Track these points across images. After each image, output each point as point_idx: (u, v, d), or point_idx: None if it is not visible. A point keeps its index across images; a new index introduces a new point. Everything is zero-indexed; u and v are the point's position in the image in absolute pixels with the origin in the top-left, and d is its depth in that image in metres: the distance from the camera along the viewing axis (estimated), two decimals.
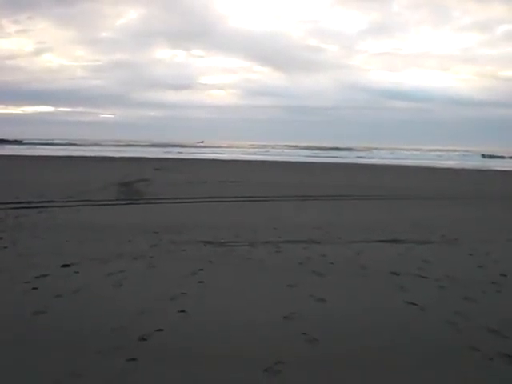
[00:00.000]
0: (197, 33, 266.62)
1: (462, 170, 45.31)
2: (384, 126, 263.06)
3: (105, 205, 15.90)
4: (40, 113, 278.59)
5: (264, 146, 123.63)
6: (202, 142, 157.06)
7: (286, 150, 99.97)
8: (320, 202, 17.94)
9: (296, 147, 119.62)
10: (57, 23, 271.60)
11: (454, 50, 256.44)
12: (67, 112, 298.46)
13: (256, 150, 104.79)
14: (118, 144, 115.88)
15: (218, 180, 26.34)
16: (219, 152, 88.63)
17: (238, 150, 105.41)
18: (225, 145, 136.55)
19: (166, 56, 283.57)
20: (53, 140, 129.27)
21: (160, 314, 5.82)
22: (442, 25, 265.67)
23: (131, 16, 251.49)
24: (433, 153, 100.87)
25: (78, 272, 7.63)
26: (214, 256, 8.80)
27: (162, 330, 5.29)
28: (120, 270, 7.73)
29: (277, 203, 17.46)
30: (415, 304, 6.31)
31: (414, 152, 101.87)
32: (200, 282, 7.14)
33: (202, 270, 7.77)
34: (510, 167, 48.88)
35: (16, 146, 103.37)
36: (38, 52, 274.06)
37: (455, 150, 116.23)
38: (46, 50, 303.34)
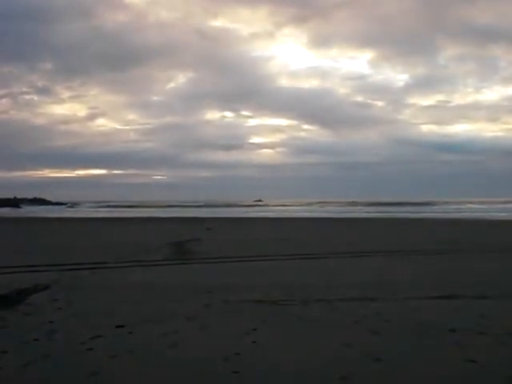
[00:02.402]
0: (244, 94, 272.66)
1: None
2: (435, 180, 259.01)
3: (157, 265, 16.03)
4: (93, 175, 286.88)
5: (315, 204, 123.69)
6: (260, 201, 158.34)
7: (338, 207, 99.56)
8: (373, 259, 17.66)
9: (348, 203, 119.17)
10: (108, 88, 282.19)
11: (502, 101, 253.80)
12: (120, 174, 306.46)
13: (308, 207, 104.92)
14: (170, 205, 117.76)
15: (269, 238, 26.34)
16: (271, 210, 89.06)
17: (291, 207, 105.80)
18: (280, 203, 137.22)
19: (215, 117, 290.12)
20: (106, 202, 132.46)
21: (214, 375, 5.77)
22: (488, 75, 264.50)
23: (180, 80, 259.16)
24: (487, 205, 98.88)
25: (131, 333, 7.66)
26: (267, 315, 8.72)
27: None
28: (174, 330, 7.74)
29: (329, 260, 17.27)
30: (475, 361, 6.07)
31: (468, 205, 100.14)
32: (253, 342, 7.07)
33: (255, 329, 7.70)
34: None
35: (70, 209, 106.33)
36: (90, 117, 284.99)
37: (507, 202, 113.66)
38: (99, 115, 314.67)
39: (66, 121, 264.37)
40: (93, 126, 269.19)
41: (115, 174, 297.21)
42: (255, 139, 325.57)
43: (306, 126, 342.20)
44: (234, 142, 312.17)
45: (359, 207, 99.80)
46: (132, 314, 8.95)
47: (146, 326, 8.08)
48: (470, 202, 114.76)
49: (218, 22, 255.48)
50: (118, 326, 7.99)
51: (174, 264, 16.43)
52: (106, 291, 11.33)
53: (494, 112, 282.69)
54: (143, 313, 9.00)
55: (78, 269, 14.94)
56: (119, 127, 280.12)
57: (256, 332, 7.57)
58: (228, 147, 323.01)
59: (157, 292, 11.15)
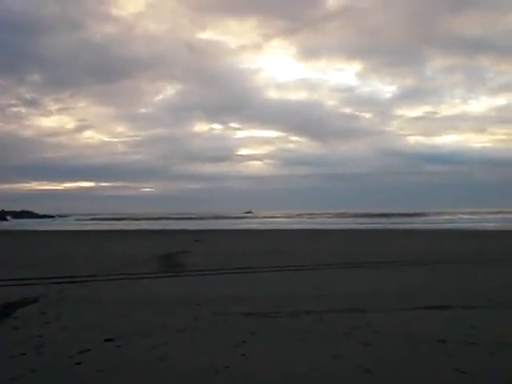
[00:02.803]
0: (233, 106, 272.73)
1: (506, 231, 44.36)
2: (423, 191, 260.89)
3: (146, 278, 15.95)
4: (81, 188, 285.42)
5: (304, 215, 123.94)
6: (250, 213, 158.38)
7: (327, 219, 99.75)
8: (363, 270, 17.67)
9: (337, 215, 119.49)
10: (97, 101, 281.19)
11: (489, 112, 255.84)
12: (108, 187, 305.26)
13: (297, 219, 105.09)
14: (158, 217, 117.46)
15: (259, 250, 26.31)
16: (261, 222, 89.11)
17: (281, 219, 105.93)
18: (269, 214, 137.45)
19: (203, 129, 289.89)
20: (94, 215, 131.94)
21: None
22: (476, 86, 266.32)
23: (168, 92, 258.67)
24: (478, 216, 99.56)
25: (120, 346, 7.61)
26: (256, 327, 8.68)
27: None
28: (163, 343, 7.70)
29: (318, 272, 17.26)
30: (464, 372, 6.08)
31: (460, 215, 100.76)
32: (243, 354, 7.04)
33: (244, 342, 7.68)
34: None
35: (57, 221, 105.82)
36: (78, 129, 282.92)
37: (497, 212, 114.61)
38: (87, 127, 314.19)
39: (54, 133, 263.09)
40: (81, 139, 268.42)
41: (103, 187, 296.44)
42: (243, 151, 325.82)
43: (294, 138, 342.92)
44: (223, 153, 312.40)
45: (349, 218, 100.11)
46: (121, 327, 8.88)
47: (134, 339, 8.03)
48: (461, 213, 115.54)
49: (206, 35, 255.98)
50: (106, 340, 7.93)
51: (163, 277, 16.35)
52: (95, 304, 11.24)
53: (481, 123, 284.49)
54: (132, 326, 8.94)
55: (67, 282, 14.83)
56: (107, 139, 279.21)
57: (245, 344, 7.54)
58: (216, 159, 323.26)
59: (146, 305, 11.08)
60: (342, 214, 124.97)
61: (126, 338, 8.09)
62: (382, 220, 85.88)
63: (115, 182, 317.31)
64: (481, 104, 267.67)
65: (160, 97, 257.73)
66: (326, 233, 48.25)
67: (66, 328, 8.89)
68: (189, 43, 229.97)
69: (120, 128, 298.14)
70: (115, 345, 7.68)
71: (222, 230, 54.87)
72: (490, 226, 59.61)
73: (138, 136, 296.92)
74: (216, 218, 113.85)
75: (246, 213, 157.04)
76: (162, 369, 6.51)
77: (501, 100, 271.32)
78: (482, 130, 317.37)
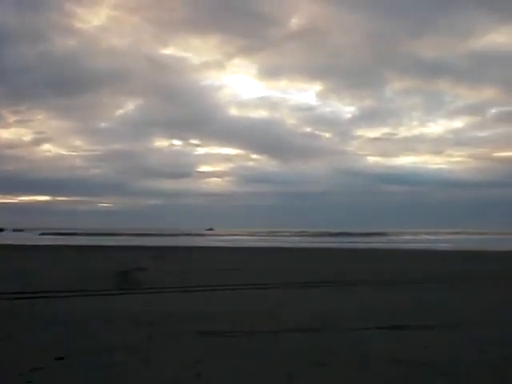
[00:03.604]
0: (194, 122, 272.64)
1: (457, 251, 45.21)
2: (381, 211, 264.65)
3: (100, 295, 15.67)
4: (37, 202, 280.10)
5: (265, 233, 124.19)
6: (211, 229, 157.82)
7: (287, 237, 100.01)
8: (321, 289, 17.71)
9: (298, 233, 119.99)
10: (56, 114, 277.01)
11: (446, 134, 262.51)
12: (65, 201, 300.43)
13: (258, 237, 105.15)
14: (116, 233, 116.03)
15: (217, 268, 26.17)
16: (221, 240, 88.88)
17: (241, 236, 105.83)
18: (230, 232, 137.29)
19: (163, 145, 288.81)
20: (50, 229, 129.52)
21: None
22: (433, 109, 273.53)
23: (129, 107, 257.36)
24: (429, 236, 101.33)
25: (71, 365, 7.43)
26: (211, 347, 8.58)
27: None
28: (115, 363, 7.53)
29: (276, 290, 17.23)
30: None
31: (416, 236, 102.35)
32: (197, 374, 6.94)
33: (199, 362, 7.56)
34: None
35: (11, 235, 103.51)
36: (36, 142, 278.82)
37: (452, 233, 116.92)
38: (45, 140, 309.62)
39: (11, 145, 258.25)
40: (38, 152, 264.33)
41: (60, 201, 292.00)
42: (203, 168, 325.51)
43: (254, 156, 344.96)
44: (182, 170, 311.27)
45: (308, 237, 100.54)
46: (73, 345, 8.70)
47: (86, 358, 7.85)
48: (419, 233, 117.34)
49: (168, 50, 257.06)
50: (57, 358, 7.75)
51: (118, 294, 16.10)
52: (47, 322, 11.02)
53: (438, 145, 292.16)
54: (84, 344, 8.75)
55: (18, 298, 14.48)
56: (66, 153, 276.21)
57: (200, 364, 7.43)
58: (176, 175, 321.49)
59: (99, 323, 10.88)
60: (302, 232, 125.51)
61: (77, 356, 7.91)
62: (341, 239, 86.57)
63: (72, 197, 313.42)
64: (438, 126, 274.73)
65: (120, 111, 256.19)
66: (284, 251, 48.32)
67: (17, 346, 8.67)
68: (151, 58, 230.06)
69: (79, 142, 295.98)
70: (66, 363, 7.51)
71: (180, 247, 54.44)
72: (444, 246, 60.68)
73: (96, 150, 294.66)
74: (176, 234, 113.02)
75: (208, 230, 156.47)
76: None
77: (458, 123, 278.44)
78: (439, 152, 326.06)
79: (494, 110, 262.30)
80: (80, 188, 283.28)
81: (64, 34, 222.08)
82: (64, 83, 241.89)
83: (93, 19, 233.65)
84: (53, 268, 25.82)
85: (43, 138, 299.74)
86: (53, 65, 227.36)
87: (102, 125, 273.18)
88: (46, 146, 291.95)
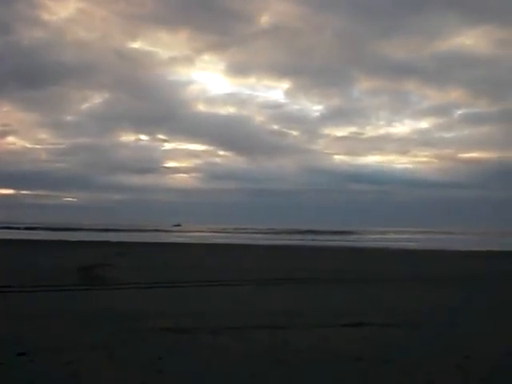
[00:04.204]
0: (161, 117, 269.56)
1: (423, 251, 45.86)
2: (347, 209, 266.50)
3: (63, 290, 15.51)
4: (0, 195, 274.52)
5: (233, 230, 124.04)
6: (179, 225, 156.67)
7: (254, 234, 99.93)
8: (285, 286, 17.81)
9: (265, 230, 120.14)
10: (21, 106, 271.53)
11: (412, 134, 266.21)
12: (28, 195, 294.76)
13: (225, 234, 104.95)
14: (80, 228, 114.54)
15: (183, 264, 26.11)
16: (188, 236, 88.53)
17: (209, 233, 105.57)
18: (198, 228, 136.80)
19: (129, 140, 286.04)
20: (13, 223, 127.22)
21: None
22: (400, 110, 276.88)
23: (96, 100, 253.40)
24: (391, 235, 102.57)
25: (32, 361, 7.35)
26: (175, 344, 8.56)
27: None
28: (77, 359, 7.47)
29: (240, 287, 17.26)
30: None
31: (380, 235, 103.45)
32: (159, 371, 6.91)
33: (160, 358, 7.54)
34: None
35: None
36: (1, 134, 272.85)
37: (417, 232, 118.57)
38: (10, 133, 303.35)
39: None
40: (2, 144, 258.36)
41: (24, 195, 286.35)
42: (170, 163, 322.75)
43: (221, 152, 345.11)
44: (149, 165, 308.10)
45: (274, 235, 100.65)
46: (34, 341, 8.61)
47: (48, 354, 7.77)
48: (388, 232, 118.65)
49: (137, 44, 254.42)
50: (19, 354, 7.66)
51: (81, 290, 15.95)
52: (9, 317, 10.90)
53: (404, 145, 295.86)
54: (46, 340, 8.69)
55: None
56: (30, 146, 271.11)
57: (162, 361, 7.41)
58: (142, 170, 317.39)
59: (61, 319, 10.79)
60: (269, 229, 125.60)
61: (39, 352, 7.83)
62: (307, 237, 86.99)
63: (36, 191, 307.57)
64: (404, 126, 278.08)
65: (87, 105, 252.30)
66: (251, 248, 48.37)
67: None
68: (119, 52, 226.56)
69: (44, 135, 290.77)
70: (28, 359, 7.42)
71: (146, 243, 54.09)
72: (411, 245, 61.45)
73: (62, 144, 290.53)
74: (142, 230, 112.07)
75: (175, 226, 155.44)
76: None
77: (424, 123, 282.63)
78: (404, 152, 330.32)
79: (459, 112, 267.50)
80: (44, 182, 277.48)
81: (31, 25, 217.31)
82: (30, 75, 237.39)
83: (61, 11, 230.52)
84: (14, 263, 25.42)
85: (8, 130, 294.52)
86: (19, 57, 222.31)
87: (68, 118, 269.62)
88: (11, 139, 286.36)
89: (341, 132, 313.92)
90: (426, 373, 7.05)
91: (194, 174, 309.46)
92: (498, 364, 7.67)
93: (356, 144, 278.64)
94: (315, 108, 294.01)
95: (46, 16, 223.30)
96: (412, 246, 59.52)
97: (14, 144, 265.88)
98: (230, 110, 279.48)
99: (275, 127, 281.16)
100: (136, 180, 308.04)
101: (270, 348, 8.37)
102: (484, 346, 8.80)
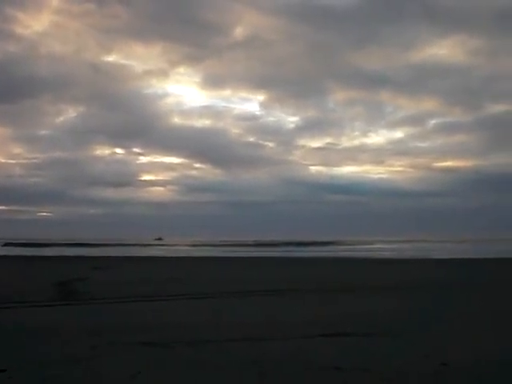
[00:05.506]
0: (136, 130, 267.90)
1: (398, 260, 46.24)
2: (324, 220, 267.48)
3: (40, 306, 15.36)
4: None
5: (210, 243, 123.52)
6: (160, 239, 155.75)
7: (231, 247, 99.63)
8: (264, 298, 17.81)
9: (239, 243, 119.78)
10: None
11: (387, 144, 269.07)
12: (2, 210, 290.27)
13: (207, 247, 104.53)
14: (56, 243, 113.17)
15: (161, 278, 26.01)
16: (167, 249, 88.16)
17: (189, 247, 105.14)
18: (179, 241, 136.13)
19: (105, 153, 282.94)
20: None
21: None
22: (375, 120, 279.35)
23: (70, 114, 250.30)
24: (369, 245, 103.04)
25: (11, 378, 7.30)
26: (153, 358, 8.53)
27: None
28: (56, 374, 7.43)
29: (219, 300, 17.24)
30: None
31: (356, 245, 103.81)
32: None
33: (140, 372, 7.51)
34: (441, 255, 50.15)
35: None
36: None
37: (393, 241, 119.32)
38: None
39: None
40: None
41: None
42: (146, 177, 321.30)
43: (197, 165, 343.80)
44: (124, 179, 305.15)
45: (254, 247, 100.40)
46: (13, 357, 8.53)
47: (27, 370, 7.73)
48: (365, 242, 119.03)
49: (111, 58, 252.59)
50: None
51: (58, 305, 15.80)
52: None
53: (379, 155, 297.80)
54: (25, 356, 8.61)
55: None
56: (3, 161, 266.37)
57: (141, 375, 7.39)
58: (118, 184, 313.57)
59: (40, 334, 10.70)
60: (255, 241, 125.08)
61: (18, 368, 7.78)
62: (286, 248, 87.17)
63: (10, 206, 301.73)
64: (379, 137, 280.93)
65: (61, 119, 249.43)
66: (231, 261, 48.34)
67: None
68: (94, 65, 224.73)
69: (18, 149, 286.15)
70: (7, 376, 7.38)
71: (123, 257, 53.68)
72: (387, 254, 61.90)
73: (36, 158, 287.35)
74: (122, 244, 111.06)
75: (157, 239, 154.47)
76: None
77: (398, 133, 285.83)
78: (379, 162, 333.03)
79: (433, 121, 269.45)
80: (19, 197, 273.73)
81: (4, 39, 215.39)
82: (3, 89, 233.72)
83: (34, 24, 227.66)
84: None
85: None
86: None
87: (43, 132, 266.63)
88: None
89: (316, 143, 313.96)
90: (405, 380, 7.13)
91: (170, 187, 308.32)
92: (475, 371, 7.76)
93: (332, 155, 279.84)
94: (291, 119, 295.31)
95: (19, 29, 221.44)
96: (388, 255, 59.99)
97: None
98: (205, 122, 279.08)
99: (251, 139, 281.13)
100: (112, 194, 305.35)
101: (249, 360, 8.37)
102: (460, 353, 8.90)
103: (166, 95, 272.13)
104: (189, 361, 8.36)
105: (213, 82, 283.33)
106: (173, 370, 7.75)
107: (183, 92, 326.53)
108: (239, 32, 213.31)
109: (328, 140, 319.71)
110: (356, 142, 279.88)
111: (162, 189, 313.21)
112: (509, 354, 8.87)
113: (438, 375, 7.36)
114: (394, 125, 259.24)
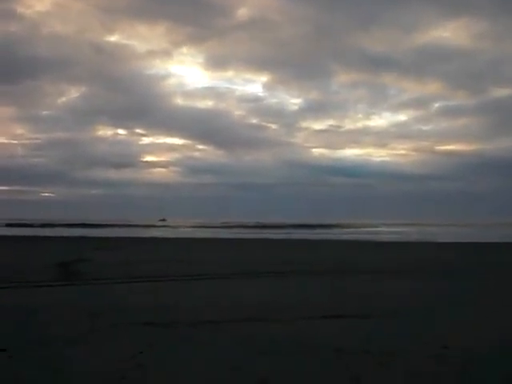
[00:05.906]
0: (139, 111, 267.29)
1: (400, 243, 46.30)
2: (326, 202, 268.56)
3: (42, 286, 15.38)
4: None
5: (213, 224, 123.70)
6: (164, 220, 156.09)
7: (233, 228, 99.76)
8: (263, 279, 17.83)
9: (242, 224, 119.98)
10: None
11: (390, 127, 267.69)
12: (4, 190, 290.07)
13: (206, 228, 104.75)
14: (59, 223, 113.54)
15: (163, 259, 26.06)
16: (171, 231, 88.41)
17: (192, 228, 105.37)
18: (182, 223, 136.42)
19: (107, 134, 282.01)
20: None
21: None
22: (378, 102, 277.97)
23: (72, 94, 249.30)
24: (371, 228, 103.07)
25: (11, 357, 7.32)
26: (155, 338, 8.55)
27: None
28: (58, 354, 7.45)
29: (220, 281, 17.27)
30: (359, 381, 6.23)
31: (358, 228, 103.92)
32: (140, 365, 6.89)
33: (141, 352, 7.51)
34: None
35: None
36: None
37: (395, 224, 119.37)
38: None
39: None
40: None
41: (0, 191, 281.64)
42: (148, 157, 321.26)
43: (200, 146, 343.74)
44: (127, 160, 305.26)
45: (257, 229, 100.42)
46: (14, 337, 8.57)
47: (27, 350, 7.74)
48: (368, 225, 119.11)
49: (114, 38, 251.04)
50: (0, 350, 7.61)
51: (60, 285, 15.82)
52: None
53: (382, 138, 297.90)
54: (26, 336, 8.64)
55: None
56: (6, 141, 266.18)
57: (142, 355, 7.39)
58: (120, 165, 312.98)
59: (41, 314, 10.73)
60: (257, 223, 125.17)
61: (19, 348, 7.79)
62: (288, 231, 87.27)
63: (12, 186, 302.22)
64: (382, 119, 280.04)
65: (63, 99, 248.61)
66: (234, 242, 48.42)
67: None
68: (96, 45, 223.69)
69: (20, 130, 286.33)
70: (7, 355, 7.39)
71: (126, 238, 53.82)
72: (389, 237, 61.92)
73: (38, 139, 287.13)
74: (126, 225, 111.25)
75: (160, 220, 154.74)
76: (55, 381, 6.27)
77: (402, 116, 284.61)
78: (382, 145, 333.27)
79: (437, 105, 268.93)
80: (21, 177, 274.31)
81: (6, 19, 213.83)
82: (5, 70, 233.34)
83: (36, 4, 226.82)
84: None
85: None
86: None
87: (45, 113, 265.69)
88: None
89: (319, 125, 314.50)
90: (404, 362, 7.12)
91: (172, 168, 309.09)
92: (476, 354, 7.74)
93: (335, 137, 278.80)
94: (294, 101, 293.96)
95: (20, 9, 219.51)
96: (389, 238, 60.04)
97: None
98: (208, 103, 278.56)
99: (254, 121, 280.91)
100: (114, 175, 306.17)
101: (250, 340, 8.38)
102: (461, 336, 8.89)
103: (168, 76, 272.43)
104: (189, 341, 8.37)
105: (216, 62, 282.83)
106: (173, 350, 7.75)
107: (186, 73, 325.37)
108: (243, 13, 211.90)
109: (331, 122, 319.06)
110: (359, 125, 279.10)
111: (164, 170, 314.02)
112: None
113: (439, 358, 7.34)
114: (397, 108, 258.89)
